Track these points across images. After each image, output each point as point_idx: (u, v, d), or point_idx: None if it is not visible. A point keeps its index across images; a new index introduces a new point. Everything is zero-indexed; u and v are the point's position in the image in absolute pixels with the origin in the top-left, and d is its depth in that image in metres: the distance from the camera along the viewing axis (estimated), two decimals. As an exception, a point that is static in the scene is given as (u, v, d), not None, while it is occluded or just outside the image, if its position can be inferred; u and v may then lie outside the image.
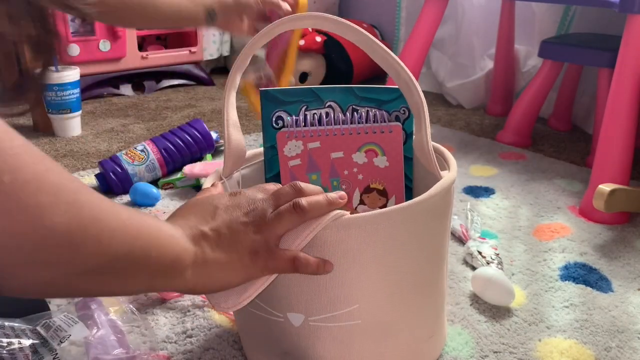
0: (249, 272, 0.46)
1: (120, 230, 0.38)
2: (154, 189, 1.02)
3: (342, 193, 0.50)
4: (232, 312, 0.68)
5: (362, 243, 0.49)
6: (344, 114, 0.66)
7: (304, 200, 0.47)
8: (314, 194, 0.49)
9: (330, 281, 0.50)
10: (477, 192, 1.08)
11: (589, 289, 0.75)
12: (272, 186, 0.51)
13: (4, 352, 0.54)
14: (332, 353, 0.53)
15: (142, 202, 1.01)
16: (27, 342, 0.56)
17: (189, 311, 0.70)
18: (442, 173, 0.57)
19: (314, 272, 0.47)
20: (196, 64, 2.04)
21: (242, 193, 0.49)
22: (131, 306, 0.65)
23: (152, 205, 1.01)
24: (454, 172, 0.57)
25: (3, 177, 0.31)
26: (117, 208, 0.39)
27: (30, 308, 0.62)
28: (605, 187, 0.88)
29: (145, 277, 0.42)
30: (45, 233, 0.34)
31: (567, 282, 0.77)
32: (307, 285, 0.50)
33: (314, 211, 0.48)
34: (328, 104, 0.66)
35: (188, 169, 1.09)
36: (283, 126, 0.65)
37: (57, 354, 0.55)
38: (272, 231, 0.47)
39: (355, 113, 0.66)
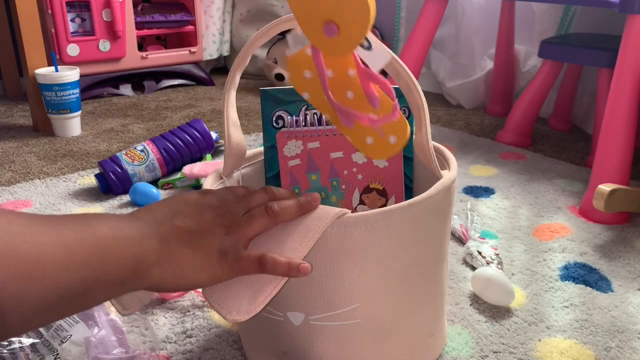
0: (216, 273, 0.46)
1: (67, 260, 0.36)
2: (153, 189, 1.02)
3: (315, 195, 0.49)
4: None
5: (362, 242, 0.49)
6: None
7: (275, 204, 0.48)
8: (285, 198, 0.49)
9: (331, 280, 0.50)
10: (477, 192, 1.08)
11: (589, 289, 0.75)
12: (242, 190, 0.51)
13: (5, 351, 0.54)
14: (332, 352, 0.53)
15: (142, 202, 1.01)
16: (27, 341, 0.56)
17: (188, 311, 0.70)
18: (443, 172, 0.57)
19: (285, 273, 0.46)
20: (196, 64, 2.04)
21: (213, 193, 0.49)
22: (131, 306, 0.65)
23: (152, 205, 1.02)
24: (454, 171, 0.57)
25: None
26: (62, 236, 0.36)
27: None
28: (605, 187, 0.88)
29: (108, 289, 0.40)
30: None
31: (567, 282, 0.77)
32: (307, 284, 0.50)
33: (285, 215, 0.48)
34: (328, 103, 0.66)
35: (188, 169, 1.09)
36: (283, 126, 0.65)
37: (58, 354, 0.55)
38: (242, 233, 0.47)
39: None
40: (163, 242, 0.43)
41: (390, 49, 2.14)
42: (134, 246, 0.41)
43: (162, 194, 1.07)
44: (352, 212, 0.49)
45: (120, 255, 0.40)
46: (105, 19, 1.73)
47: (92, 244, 0.38)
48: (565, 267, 0.80)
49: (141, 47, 1.94)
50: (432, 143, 0.58)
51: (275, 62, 1.89)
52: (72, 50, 1.69)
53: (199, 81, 2.05)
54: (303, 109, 0.65)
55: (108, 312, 0.63)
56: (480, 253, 0.80)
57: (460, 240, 0.88)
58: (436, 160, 0.57)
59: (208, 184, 0.58)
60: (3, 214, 0.35)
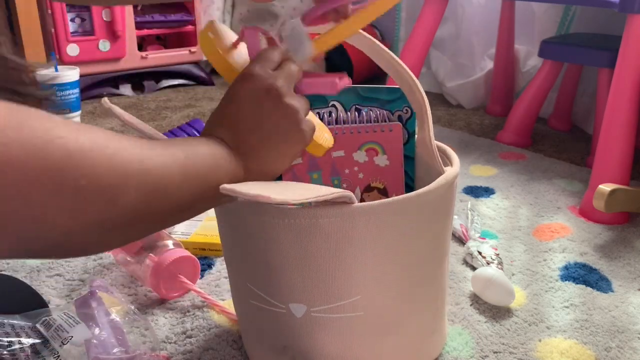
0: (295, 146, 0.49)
1: (181, 179, 0.40)
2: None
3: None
4: (232, 311, 0.68)
5: (365, 233, 0.49)
6: (347, 114, 0.66)
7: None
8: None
9: (333, 271, 0.50)
10: (477, 192, 1.08)
11: (589, 289, 0.75)
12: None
13: (5, 352, 0.54)
14: (334, 345, 0.53)
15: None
16: (27, 341, 0.56)
17: (188, 311, 0.70)
18: (445, 169, 0.58)
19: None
20: (196, 63, 2.03)
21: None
22: (132, 306, 0.65)
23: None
24: (457, 168, 0.57)
25: (79, 180, 0.32)
26: (175, 157, 0.40)
27: (28, 303, 0.62)
28: (605, 187, 0.88)
29: (208, 203, 0.45)
30: (121, 212, 0.36)
31: (567, 282, 0.77)
32: (309, 274, 0.50)
33: None
34: (331, 103, 0.66)
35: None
36: (283, 126, 0.65)
37: (58, 354, 0.55)
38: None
39: (357, 113, 0.66)
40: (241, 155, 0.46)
41: (390, 49, 2.14)
42: (230, 163, 0.45)
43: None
44: None
45: (221, 172, 0.44)
46: (105, 18, 1.73)
47: (199, 164, 0.42)
48: (566, 267, 0.80)
49: (141, 47, 1.93)
50: (435, 141, 0.58)
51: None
52: (72, 50, 1.69)
53: (199, 81, 2.05)
54: (303, 108, 0.65)
55: (109, 313, 0.63)
56: (480, 253, 0.80)
57: (460, 240, 0.88)
58: (439, 157, 0.57)
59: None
60: (132, 140, 0.37)
